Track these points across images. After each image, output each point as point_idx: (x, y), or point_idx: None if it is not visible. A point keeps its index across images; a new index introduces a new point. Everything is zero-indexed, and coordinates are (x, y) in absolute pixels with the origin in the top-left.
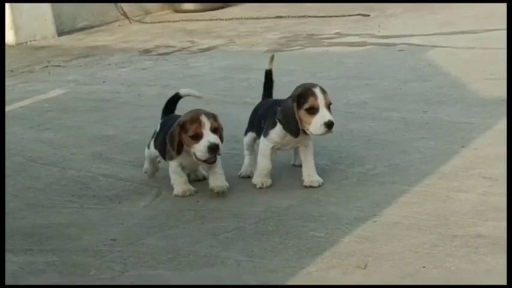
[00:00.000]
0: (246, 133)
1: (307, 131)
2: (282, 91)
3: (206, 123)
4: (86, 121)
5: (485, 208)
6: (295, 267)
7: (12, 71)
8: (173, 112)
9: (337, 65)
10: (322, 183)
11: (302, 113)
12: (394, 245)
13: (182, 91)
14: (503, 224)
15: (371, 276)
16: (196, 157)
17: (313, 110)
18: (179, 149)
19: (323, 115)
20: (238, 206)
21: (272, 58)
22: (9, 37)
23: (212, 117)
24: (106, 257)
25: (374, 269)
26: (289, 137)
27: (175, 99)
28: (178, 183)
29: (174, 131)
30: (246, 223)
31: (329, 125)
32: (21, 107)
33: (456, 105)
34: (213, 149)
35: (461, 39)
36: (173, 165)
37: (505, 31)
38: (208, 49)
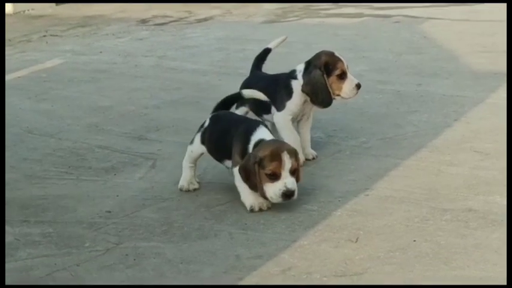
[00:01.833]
0: (236, 107)
1: (336, 98)
2: (276, 63)
3: (287, 163)
4: (82, 92)
5: (476, 182)
6: (287, 240)
7: (9, 40)
8: (228, 109)
9: (333, 37)
10: (316, 156)
11: (332, 80)
12: (385, 218)
13: (245, 93)
14: (494, 198)
15: (362, 250)
16: (265, 195)
17: (343, 75)
18: (257, 185)
19: (351, 78)
20: (232, 179)
21: (282, 41)
22: (7, 6)
23: (294, 155)
24: (101, 229)
25: (365, 243)
26: (304, 106)
27: (235, 98)
28: (252, 195)
29: (250, 166)
30: (239, 196)
31: (359, 87)
32: (19, 77)
33: (450, 78)
34: (288, 195)
35: (456, 11)
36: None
37: (500, 4)
38: (205, 19)
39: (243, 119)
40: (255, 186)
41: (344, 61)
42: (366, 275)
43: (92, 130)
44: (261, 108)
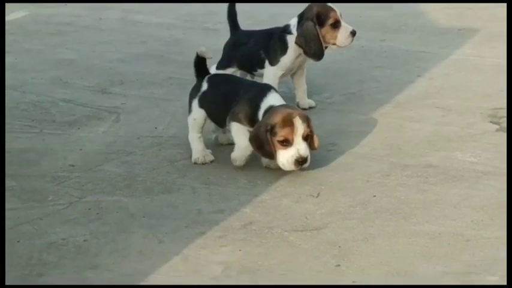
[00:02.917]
0: (223, 68)
1: (331, 47)
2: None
3: (299, 128)
4: (46, 45)
5: (437, 138)
6: (249, 195)
7: None
8: (208, 72)
9: None
10: (315, 106)
11: (326, 30)
12: (347, 174)
13: (199, 51)
14: (454, 154)
15: (323, 205)
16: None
17: (337, 24)
18: (273, 153)
19: (346, 26)
20: None
21: None
22: None
23: (306, 120)
24: (64, 182)
25: (326, 198)
26: (298, 59)
27: (199, 59)
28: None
29: (262, 134)
30: None
31: (354, 33)
32: None
33: (414, 34)
34: (301, 162)
35: None
36: (237, 127)
37: None
38: None
39: (251, 82)
40: (267, 154)
41: (337, 10)
42: (326, 230)
43: (56, 83)
44: (254, 63)
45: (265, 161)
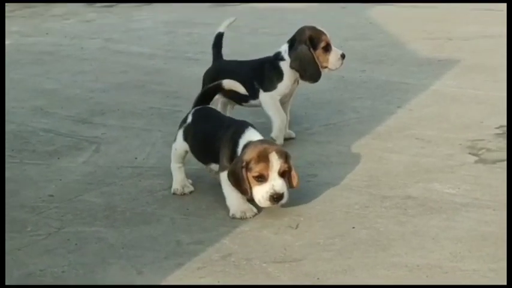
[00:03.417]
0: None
1: (324, 70)
2: (223, 48)
3: (275, 164)
4: (28, 74)
5: (416, 169)
6: (229, 226)
7: None
8: (209, 103)
9: (280, 21)
10: (294, 138)
11: (318, 53)
12: (326, 205)
13: (226, 83)
14: (433, 186)
15: (302, 236)
16: (253, 198)
17: (328, 47)
18: (247, 190)
19: (336, 50)
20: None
21: (231, 23)
22: None
23: (283, 156)
24: (43, 213)
25: (305, 229)
26: (293, 86)
27: (215, 89)
28: (236, 201)
29: (238, 170)
30: None
31: (344, 57)
32: None
33: (394, 65)
34: (276, 198)
35: None
36: (225, 178)
37: None
38: (152, 2)
39: (229, 120)
40: (244, 191)
41: (327, 33)
42: (304, 261)
43: (36, 113)
44: (245, 94)
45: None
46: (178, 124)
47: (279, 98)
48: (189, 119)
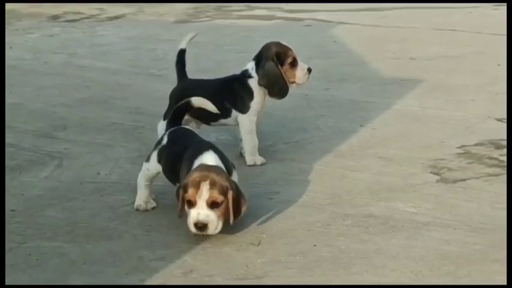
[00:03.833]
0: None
1: (292, 86)
2: (187, 65)
3: (204, 192)
4: None
5: (378, 188)
6: (190, 243)
7: None
8: (180, 123)
9: (244, 39)
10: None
11: (285, 69)
12: (288, 222)
13: (195, 101)
14: (395, 204)
15: (264, 253)
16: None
17: (295, 62)
18: (180, 211)
19: (302, 64)
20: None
21: (192, 38)
22: None
23: (217, 188)
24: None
25: (267, 246)
26: (263, 103)
27: (184, 108)
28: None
29: (178, 190)
30: None
31: (310, 71)
32: None
33: (357, 84)
34: (200, 227)
35: (367, 16)
36: None
37: (410, 9)
38: (117, 17)
39: (197, 141)
40: (179, 211)
41: (293, 49)
42: (266, 279)
43: None
44: (215, 114)
45: None
46: (153, 145)
47: (255, 118)
48: (164, 141)
